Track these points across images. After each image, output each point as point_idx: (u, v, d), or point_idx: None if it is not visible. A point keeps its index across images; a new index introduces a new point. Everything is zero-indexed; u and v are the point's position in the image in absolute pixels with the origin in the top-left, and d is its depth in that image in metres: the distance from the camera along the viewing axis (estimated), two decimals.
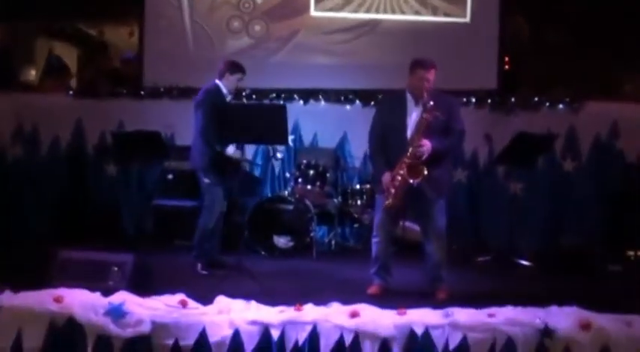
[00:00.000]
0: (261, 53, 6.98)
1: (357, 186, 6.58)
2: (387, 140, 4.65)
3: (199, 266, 5.26)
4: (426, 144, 4.43)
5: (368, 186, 6.49)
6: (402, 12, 7.24)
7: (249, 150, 6.73)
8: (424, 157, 4.44)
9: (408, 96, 4.64)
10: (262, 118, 4.59)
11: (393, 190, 4.49)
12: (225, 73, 5.33)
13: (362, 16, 7.25)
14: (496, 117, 6.86)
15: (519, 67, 7.77)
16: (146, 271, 4.28)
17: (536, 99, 6.92)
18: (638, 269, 5.79)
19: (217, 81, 5.37)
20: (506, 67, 7.54)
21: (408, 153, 4.45)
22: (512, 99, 6.91)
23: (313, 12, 7.15)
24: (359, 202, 6.48)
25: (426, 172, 4.42)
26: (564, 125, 6.72)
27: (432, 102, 4.43)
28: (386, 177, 4.56)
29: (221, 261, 5.41)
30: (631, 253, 6.18)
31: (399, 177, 4.47)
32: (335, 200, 6.54)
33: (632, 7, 7.30)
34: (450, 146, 4.62)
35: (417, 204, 4.65)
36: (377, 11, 7.22)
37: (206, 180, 5.27)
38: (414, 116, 4.59)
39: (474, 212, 6.92)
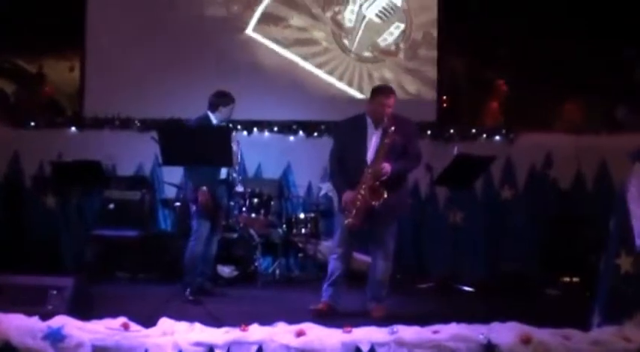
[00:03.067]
0: None
1: (302, 215, 6.58)
2: (346, 161, 4.77)
3: (187, 291, 5.10)
4: (386, 168, 4.57)
5: (312, 214, 6.53)
6: None
7: None
8: (383, 179, 4.56)
9: (368, 120, 4.78)
10: (206, 140, 4.57)
11: (354, 210, 4.59)
12: (218, 106, 5.35)
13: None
14: (436, 148, 7.02)
15: (458, 103, 8.04)
16: (87, 295, 4.17)
17: (473, 130, 7.16)
18: (574, 294, 5.96)
19: (208, 112, 5.38)
20: (444, 105, 7.79)
21: (369, 176, 4.57)
22: (452, 131, 7.11)
23: None
24: (303, 231, 6.49)
25: (385, 195, 4.54)
26: (501, 155, 6.91)
27: (393, 128, 4.57)
28: (347, 195, 4.65)
29: (209, 289, 5.42)
30: (566, 279, 6.36)
31: (360, 197, 4.58)
32: (279, 229, 6.53)
33: (560, 47, 7.71)
34: (407, 168, 4.79)
35: (372, 227, 4.74)
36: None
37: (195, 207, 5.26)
38: (373, 139, 4.72)
39: (416, 241, 7.00)
